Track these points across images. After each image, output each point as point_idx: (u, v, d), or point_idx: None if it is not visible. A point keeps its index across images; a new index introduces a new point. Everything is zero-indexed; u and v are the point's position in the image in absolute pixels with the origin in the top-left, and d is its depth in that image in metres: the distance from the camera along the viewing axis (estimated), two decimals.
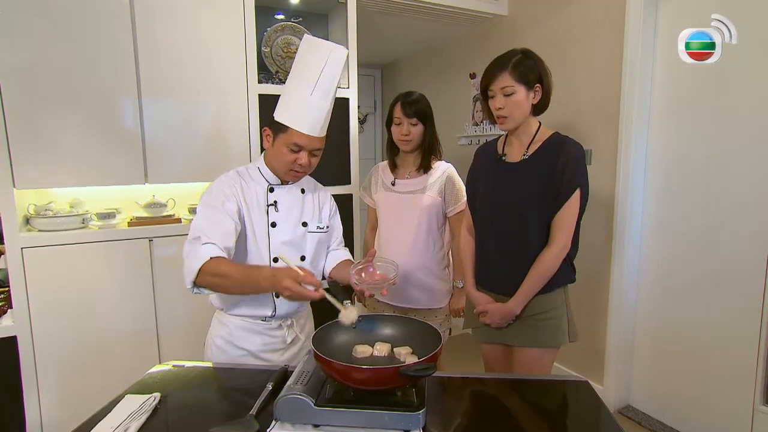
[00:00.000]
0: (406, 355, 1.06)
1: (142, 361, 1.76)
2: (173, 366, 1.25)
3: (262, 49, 2.27)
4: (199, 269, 1.11)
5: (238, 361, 1.33)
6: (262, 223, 1.31)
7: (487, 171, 1.52)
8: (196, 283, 1.14)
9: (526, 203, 1.40)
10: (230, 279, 1.11)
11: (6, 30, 1.69)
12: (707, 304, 2.04)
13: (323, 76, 1.23)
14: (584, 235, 2.50)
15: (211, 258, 1.13)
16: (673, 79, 2.12)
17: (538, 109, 1.43)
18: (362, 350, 1.08)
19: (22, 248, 1.77)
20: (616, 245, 2.32)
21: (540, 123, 1.46)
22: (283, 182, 1.36)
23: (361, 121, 4.71)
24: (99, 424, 0.93)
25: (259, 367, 1.26)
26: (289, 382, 0.98)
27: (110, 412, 0.97)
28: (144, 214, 2.07)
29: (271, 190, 1.34)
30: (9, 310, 1.81)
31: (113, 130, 1.91)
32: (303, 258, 1.37)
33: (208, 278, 1.12)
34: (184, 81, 2.02)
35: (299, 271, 1.07)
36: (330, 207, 1.48)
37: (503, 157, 1.48)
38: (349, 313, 1.09)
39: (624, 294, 2.32)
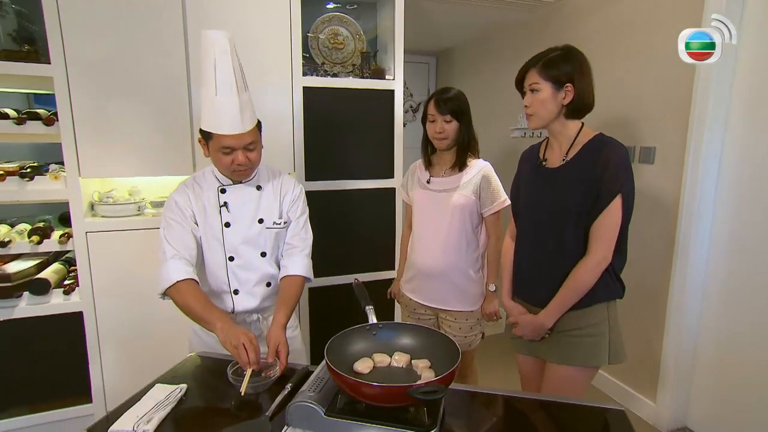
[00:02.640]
0: (423, 369, 1.03)
1: (185, 344, 1.86)
2: (204, 356, 1.31)
3: (309, 35, 2.27)
4: (166, 289, 1.24)
5: (213, 347, 1.36)
6: (216, 224, 1.34)
7: (528, 177, 1.44)
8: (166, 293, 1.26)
9: (564, 210, 1.30)
10: (189, 314, 1.24)
11: (75, 25, 1.81)
12: None
13: (218, 72, 1.19)
14: (640, 242, 2.30)
15: (177, 282, 1.22)
16: (760, 75, 1.86)
17: (574, 111, 1.31)
18: (380, 359, 1.07)
19: (86, 232, 1.93)
20: (678, 255, 2.11)
21: (582, 125, 1.34)
22: (236, 181, 1.36)
23: (414, 110, 4.64)
24: (127, 411, 0.99)
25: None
26: (303, 388, 0.99)
27: (139, 400, 1.04)
28: None
29: (223, 191, 1.36)
30: (76, 288, 1.99)
31: (166, 122, 1.99)
32: (264, 254, 1.37)
33: (174, 298, 1.24)
34: None
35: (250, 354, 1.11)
36: (292, 196, 1.43)
37: (544, 162, 1.39)
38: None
39: (685, 307, 2.12)
